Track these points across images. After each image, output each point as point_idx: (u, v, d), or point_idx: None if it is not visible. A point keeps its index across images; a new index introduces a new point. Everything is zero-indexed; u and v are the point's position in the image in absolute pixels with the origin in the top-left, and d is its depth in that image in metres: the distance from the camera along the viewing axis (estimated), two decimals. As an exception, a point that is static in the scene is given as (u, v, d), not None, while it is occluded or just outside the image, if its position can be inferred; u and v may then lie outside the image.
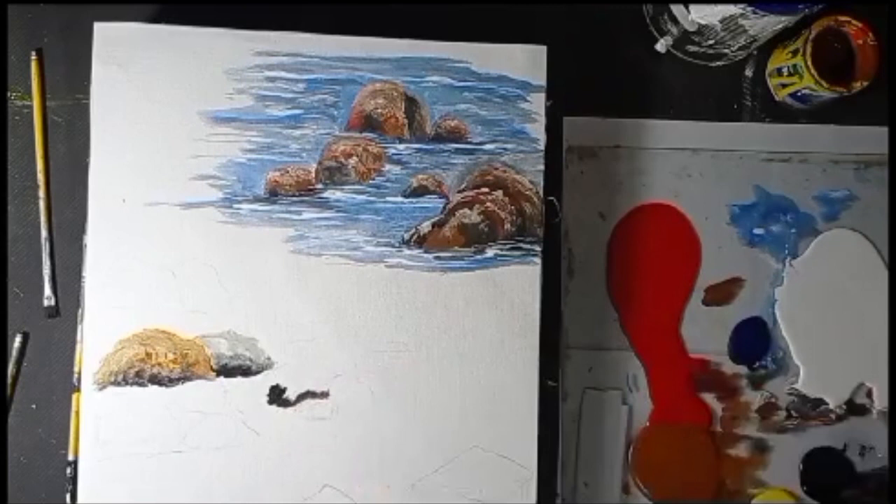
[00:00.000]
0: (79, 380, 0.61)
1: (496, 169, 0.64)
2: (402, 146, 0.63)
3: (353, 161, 0.63)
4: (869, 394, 0.71)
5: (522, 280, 0.63)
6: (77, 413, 0.62)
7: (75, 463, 0.60)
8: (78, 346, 0.63)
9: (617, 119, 0.71)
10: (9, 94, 0.67)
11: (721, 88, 0.73)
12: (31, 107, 0.67)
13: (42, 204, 0.67)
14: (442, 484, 0.61)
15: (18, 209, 0.67)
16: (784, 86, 0.71)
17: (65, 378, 0.65)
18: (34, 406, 0.66)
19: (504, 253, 0.63)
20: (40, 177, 0.67)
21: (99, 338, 0.60)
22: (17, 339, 0.66)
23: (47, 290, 0.66)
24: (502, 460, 0.62)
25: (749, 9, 0.62)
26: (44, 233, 0.67)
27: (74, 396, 0.63)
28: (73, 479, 0.60)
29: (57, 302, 0.66)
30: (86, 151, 0.61)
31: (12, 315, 0.66)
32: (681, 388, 0.70)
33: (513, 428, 0.62)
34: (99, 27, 0.61)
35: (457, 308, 0.62)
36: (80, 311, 0.62)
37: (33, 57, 0.67)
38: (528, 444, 0.62)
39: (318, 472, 0.60)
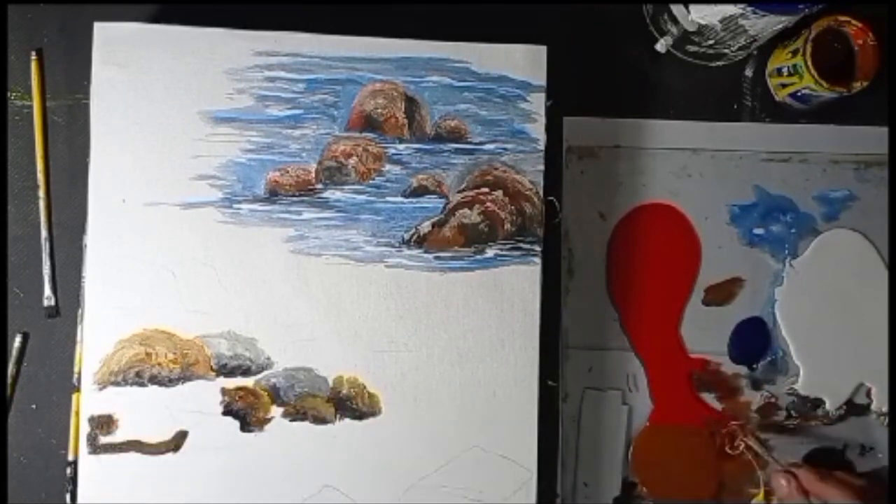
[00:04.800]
0: (79, 380, 0.61)
1: (496, 169, 0.64)
2: (402, 146, 0.63)
3: (353, 161, 0.63)
4: (869, 394, 0.71)
5: (522, 280, 0.63)
6: (77, 413, 0.62)
7: (75, 463, 0.60)
8: (78, 346, 0.63)
9: (617, 119, 0.71)
10: (9, 94, 0.67)
11: (721, 88, 0.73)
12: (31, 107, 0.67)
13: (42, 204, 0.67)
14: (442, 484, 0.61)
15: (18, 209, 0.67)
16: (784, 86, 0.71)
17: (65, 378, 0.65)
18: (34, 406, 0.66)
19: (504, 253, 0.63)
20: (40, 177, 0.67)
21: (99, 338, 0.60)
22: (17, 339, 0.66)
23: (47, 290, 0.66)
24: (502, 460, 0.62)
25: (749, 9, 0.62)
26: (44, 233, 0.67)
27: (74, 396, 0.63)
28: (73, 479, 0.60)
29: (57, 302, 0.66)
30: (86, 151, 0.61)
31: (12, 315, 0.66)
32: (681, 388, 0.70)
33: (513, 428, 0.62)
34: (99, 27, 0.61)
35: (457, 308, 0.62)
36: (80, 311, 0.62)
37: (33, 57, 0.67)
38: (528, 444, 0.62)
39: (318, 472, 0.60)
